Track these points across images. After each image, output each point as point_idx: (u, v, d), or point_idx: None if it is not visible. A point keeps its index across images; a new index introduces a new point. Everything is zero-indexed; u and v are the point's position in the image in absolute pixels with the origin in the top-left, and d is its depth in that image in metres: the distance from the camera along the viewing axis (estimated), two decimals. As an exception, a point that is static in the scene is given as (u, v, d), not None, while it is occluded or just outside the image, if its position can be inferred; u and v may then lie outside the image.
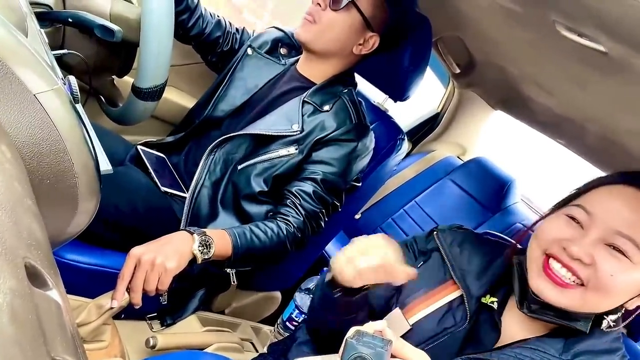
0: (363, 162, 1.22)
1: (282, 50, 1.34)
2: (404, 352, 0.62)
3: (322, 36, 1.15)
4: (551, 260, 0.71)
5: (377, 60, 1.25)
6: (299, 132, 1.15)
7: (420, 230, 2.05)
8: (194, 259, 0.94)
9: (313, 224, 1.16)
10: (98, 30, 0.98)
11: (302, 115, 1.16)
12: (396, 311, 0.84)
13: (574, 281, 0.69)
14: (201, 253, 0.94)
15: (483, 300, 0.80)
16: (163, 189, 1.21)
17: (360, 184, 1.31)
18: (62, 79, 0.51)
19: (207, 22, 1.31)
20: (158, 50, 1.01)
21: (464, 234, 0.91)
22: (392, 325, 0.67)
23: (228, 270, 1.08)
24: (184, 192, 1.23)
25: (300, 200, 1.13)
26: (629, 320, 0.74)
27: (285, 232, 1.10)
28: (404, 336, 0.80)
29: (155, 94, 1.09)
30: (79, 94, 0.58)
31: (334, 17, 1.13)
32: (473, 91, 2.12)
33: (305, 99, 1.18)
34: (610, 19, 0.69)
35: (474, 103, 2.19)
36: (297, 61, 1.29)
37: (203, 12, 1.30)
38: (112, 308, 0.84)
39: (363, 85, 1.41)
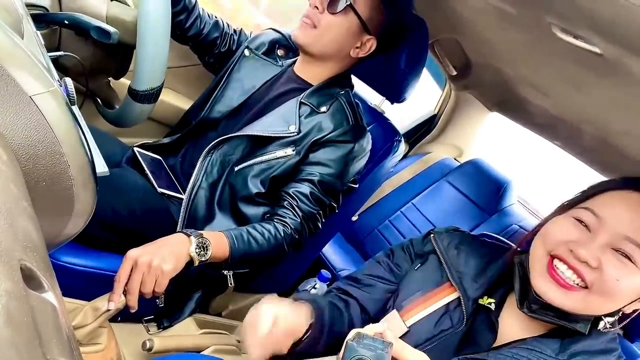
0: (360, 164, 1.22)
1: (279, 52, 1.34)
2: (404, 354, 0.63)
3: (320, 39, 1.15)
4: (556, 261, 0.71)
5: (374, 62, 1.25)
6: (296, 133, 1.15)
7: (417, 232, 2.05)
8: (191, 262, 0.94)
9: (310, 225, 1.16)
10: (94, 32, 0.98)
11: (299, 117, 1.17)
12: (393, 313, 0.84)
13: (577, 284, 0.69)
14: (198, 255, 0.93)
15: (480, 301, 0.81)
16: (160, 190, 1.20)
17: (357, 186, 1.32)
18: (58, 80, 0.51)
19: (204, 22, 1.31)
20: (154, 53, 1.01)
21: (460, 236, 0.91)
22: (389, 328, 0.67)
23: (226, 272, 1.08)
24: (181, 194, 1.22)
25: (297, 202, 1.13)
26: (625, 322, 0.75)
27: (282, 234, 1.10)
28: (401, 338, 0.80)
29: (151, 96, 1.08)
30: (75, 95, 0.58)
31: (331, 20, 1.13)
32: (470, 93, 2.13)
33: (302, 100, 1.18)
34: (604, 21, 0.69)
35: (470, 105, 2.20)
36: (294, 63, 1.29)
37: (201, 13, 1.30)
38: (108, 310, 0.84)
39: (360, 87, 1.41)
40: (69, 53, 1.01)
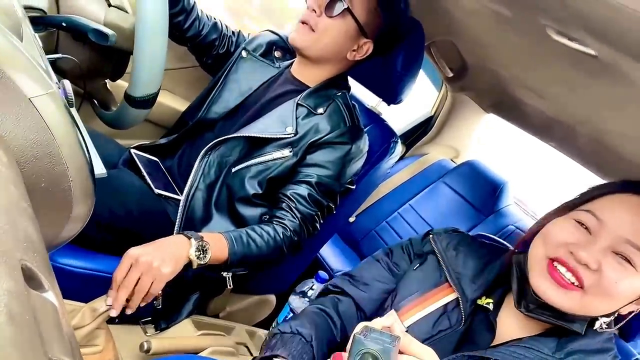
0: (357, 165, 1.22)
1: (277, 54, 1.35)
2: (411, 348, 0.63)
3: (317, 42, 1.15)
4: (556, 263, 0.71)
5: (371, 64, 1.26)
6: (293, 135, 1.15)
7: (414, 233, 2.06)
8: (189, 264, 0.94)
9: (309, 227, 1.16)
10: (92, 34, 0.98)
11: (296, 118, 1.17)
12: (391, 313, 0.84)
13: (574, 283, 0.70)
14: (197, 258, 0.94)
15: (479, 302, 0.81)
16: (157, 191, 1.20)
17: (354, 187, 1.32)
18: (56, 83, 0.51)
19: (203, 24, 1.31)
20: (151, 60, 1.01)
21: (459, 237, 0.92)
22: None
23: (224, 273, 1.09)
24: (178, 195, 1.23)
25: (295, 204, 1.13)
26: (621, 324, 0.75)
27: (281, 236, 1.10)
28: None
29: (147, 102, 1.09)
30: (73, 97, 0.58)
31: (329, 24, 1.13)
32: (466, 94, 2.14)
33: (299, 102, 1.19)
34: (598, 22, 0.70)
35: (466, 106, 2.21)
36: (291, 64, 1.29)
37: (199, 14, 1.30)
38: (105, 312, 0.84)
39: (356, 89, 1.42)
40: (67, 55, 1.01)
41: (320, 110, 1.18)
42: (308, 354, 0.79)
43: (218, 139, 1.19)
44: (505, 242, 1.02)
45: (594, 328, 0.75)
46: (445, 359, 0.77)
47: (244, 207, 1.18)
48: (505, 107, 1.89)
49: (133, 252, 0.88)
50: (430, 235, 0.93)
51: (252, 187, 1.16)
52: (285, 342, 0.79)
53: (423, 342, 0.79)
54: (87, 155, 0.49)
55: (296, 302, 1.38)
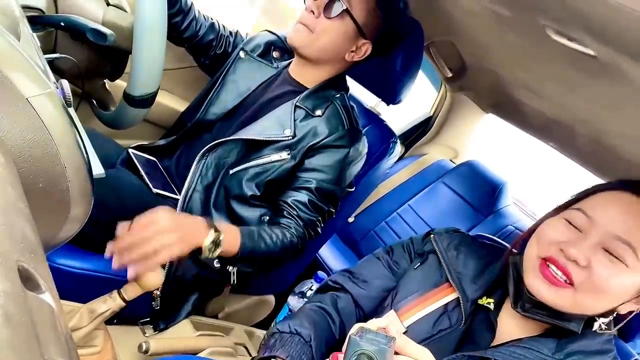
0: (356, 168, 1.22)
1: (275, 54, 1.34)
2: (406, 348, 0.63)
3: (316, 43, 1.15)
4: (548, 263, 0.71)
5: (370, 64, 1.25)
6: (291, 137, 1.15)
7: (413, 233, 2.06)
8: (198, 250, 0.93)
9: (311, 232, 1.16)
10: (90, 34, 0.98)
11: (294, 120, 1.16)
12: (391, 313, 0.85)
13: (565, 280, 0.70)
14: (208, 250, 0.94)
15: (480, 301, 0.81)
16: (155, 190, 1.20)
17: (353, 189, 1.32)
18: (54, 82, 0.51)
19: (200, 24, 1.31)
20: (150, 59, 1.01)
21: (460, 237, 0.92)
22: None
23: (230, 268, 1.08)
24: (176, 194, 1.22)
25: (297, 211, 1.13)
26: (621, 325, 0.75)
27: (289, 240, 1.11)
28: None
29: (146, 101, 1.08)
30: (71, 97, 0.58)
31: (327, 25, 1.13)
32: (465, 95, 2.14)
33: (297, 104, 1.18)
34: (597, 23, 0.70)
35: (466, 106, 2.21)
36: (289, 64, 1.29)
37: (197, 15, 1.30)
38: (104, 313, 0.83)
39: (355, 89, 1.42)
40: (65, 55, 1.01)
41: (319, 113, 1.17)
42: (307, 355, 0.78)
43: (216, 141, 1.18)
44: (505, 243, 1.02)
45: (593, 329, 0.75)
46: (445, 358, 0.77)
47: (242, 207, 1.17)
48: (505, 107, 1.89)
49: (162, 214, 0.86)
50: (432, 235, 0.93)
51: (249, 189, 1.16)
52: (284, 343, 0.79)
53: (423, 341, 0.80)
54: (85, 155, 0.49)
55: (295, 302, 1.38)
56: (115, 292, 0.86)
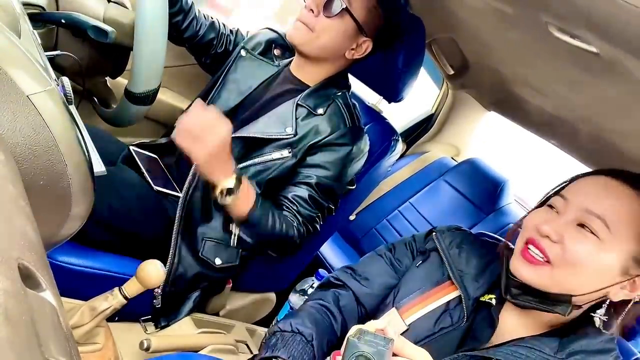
0: (358, 165, 1.22)
1: (276, 52, 1.34)
2: (405, 350, 0.63)
3: (316, 42, 1.14)
4: (529, 245, 0.74)
5: (371, 61, 1.25)
6: (292, 136, 1.14)
7: (415, 231, 2.06)
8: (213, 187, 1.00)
9: (310, 227, 1.17)
10: (91, 31, 0.98)
11: (296, 119, 1.16)
12: (392, 311, 0.85)
13: (541, 257, 0.72)
14: (220, 193, 0.99)
15: (481, 298, 0.82)
16: (156, 188, 1.20)
17: (354, 187, 1.31)
18: (55, 80, 0.51)
19: (200, 24, 1.30)
20: (152, 56, 1.01)
21: (462, 235, 0.92)
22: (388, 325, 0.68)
23: (233, 228, 1.10)
24: (177, 192, 1.22)
25: (297, 207, 1.13)
26: (621, 317, 0.74)
27: (289, 234, 1.12)
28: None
29: (147, 98, 1.08)
30: (72, 95, 0.58)
31: (327, 24, 1.12)
32: (467, 92, 2.13)
33: (299, 102, 1.18)
34: (600, 20, 0.69)
35: (467, 104, 2.21)
36: (290, 62, 1.28)
37: (197, 14, 1.29)
38: (105, 310, 0.84)
39: (357, 86, 1.41)
40: (66, 52, 1.01)
41: (320, 111, 1.17)
42: (308, 354, 0.78)
43: None
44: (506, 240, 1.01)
45: (597, 326, 0.74)
46: (447, 358, 0.77)
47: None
48: (507, 104, 1.89)
49: (223, 129, 0.95)
50: (434, 233, 0.94)
51: (251, 187, 1.15)
52: (286, 342, 0.79)
53: (425, 339, 0.80)
54: (86, 153, 0.49)
55: (296, 300, 1.38)
56: (116, 290, 0.86)
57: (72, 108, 0.52)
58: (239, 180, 1.00)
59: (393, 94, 1.36)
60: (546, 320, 0.78)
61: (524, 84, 1.48)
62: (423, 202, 2.15)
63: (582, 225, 0.71)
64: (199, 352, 1.11)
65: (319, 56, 1.18)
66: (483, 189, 2.08)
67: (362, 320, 0.94)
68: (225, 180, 0.99)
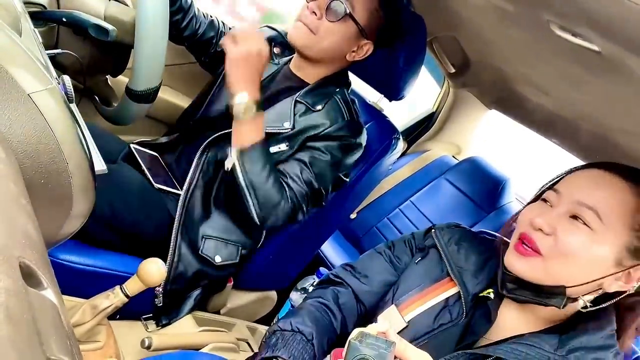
0: (353, 157, 1.21)
1: (276, 50, 1.33)
2: (406, 353, 0.64)
3: (318, 44, 1.14)
4: (523, 239, 0.75)
5: (372, 59, 1.25)
6: (290, 129, 1.15)
7: (416, 229, 2.05)
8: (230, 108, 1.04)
9: (295, 203, 1.12)
10: (92, 30, 0.98)
11: (294, 115, 1.16)
12: (392, 308, 0.85)
13: (533, 249, 0.73)
14: (236, 106, 1.02)
15: (480, 295, 0.82)
16: (157, 185, 1.20)
17: (347, 180, 1.30)
18: (56, 78, 0.51)
19: (200, 22, 1.30)
20: (152, 54, 1.00)
21: (461, 232, 0.93)
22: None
23: (231, 153, 1.08)
24: (178, 189, 1.22)
25: (287, 179, 1.12)
26: (610, 302, 0.74)
27: (280, 195, 1.09)
28: (399, 333, 0.81)
29: (149, 96, 1.08)
30: (73, 93, 0.58)
31: (330, 28, 1.12)
32: (468, 91, 2.13)
33: (297, 99, 1.18)
34: (602, 18, 0.69)
35: (468, 102, 2.20)
36: (290, 60, 1.28)
37: (196, 13, 1.29)
38: (106, 308, 0.84)
39: (358, 85, 1.41)
40: (67, 51, 1.01)
41: (319, 107, 1.17)
42: (309, 353, 0.79)
43: (215, 135, 1.18)
44: (506, 239, 1.01)
45: (593, 321, 0.74)
46: (446, 356, 0.77)
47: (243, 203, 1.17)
48: (508, 103, 1.89)
49: (261, 53, 1.03)
50: (433, 230, 0.94)
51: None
52: (286, 342, 0.79)
53: (424, 335, 0.80)
54: (87, 151, 0.49)
55: (297, 298, 1.38)
56: (117, 288, 0.86)
57: (73, 106, 0.52)
58: (257, 105, 1.03)
59: (394, 92, 1.36)
60: (545, 316, 0.78)
61: (526, 82, 1.48)
62: (424, 201, 2.15)
63: (574, 217, 0.71)
64: (200, 351, 1.12)
65: (320, 58, 1.18)
66: (484, 187, 2.08)
67: (362, 317, 0.94)
68: (245, 96, 1.01)
